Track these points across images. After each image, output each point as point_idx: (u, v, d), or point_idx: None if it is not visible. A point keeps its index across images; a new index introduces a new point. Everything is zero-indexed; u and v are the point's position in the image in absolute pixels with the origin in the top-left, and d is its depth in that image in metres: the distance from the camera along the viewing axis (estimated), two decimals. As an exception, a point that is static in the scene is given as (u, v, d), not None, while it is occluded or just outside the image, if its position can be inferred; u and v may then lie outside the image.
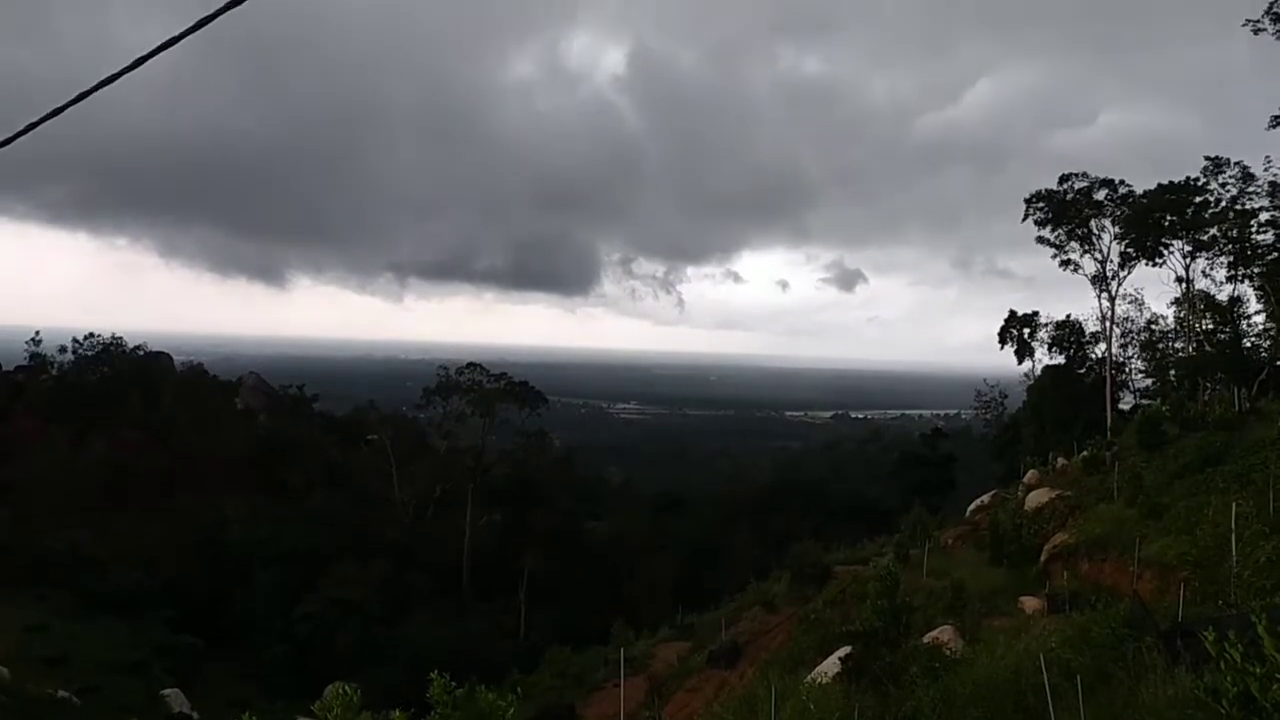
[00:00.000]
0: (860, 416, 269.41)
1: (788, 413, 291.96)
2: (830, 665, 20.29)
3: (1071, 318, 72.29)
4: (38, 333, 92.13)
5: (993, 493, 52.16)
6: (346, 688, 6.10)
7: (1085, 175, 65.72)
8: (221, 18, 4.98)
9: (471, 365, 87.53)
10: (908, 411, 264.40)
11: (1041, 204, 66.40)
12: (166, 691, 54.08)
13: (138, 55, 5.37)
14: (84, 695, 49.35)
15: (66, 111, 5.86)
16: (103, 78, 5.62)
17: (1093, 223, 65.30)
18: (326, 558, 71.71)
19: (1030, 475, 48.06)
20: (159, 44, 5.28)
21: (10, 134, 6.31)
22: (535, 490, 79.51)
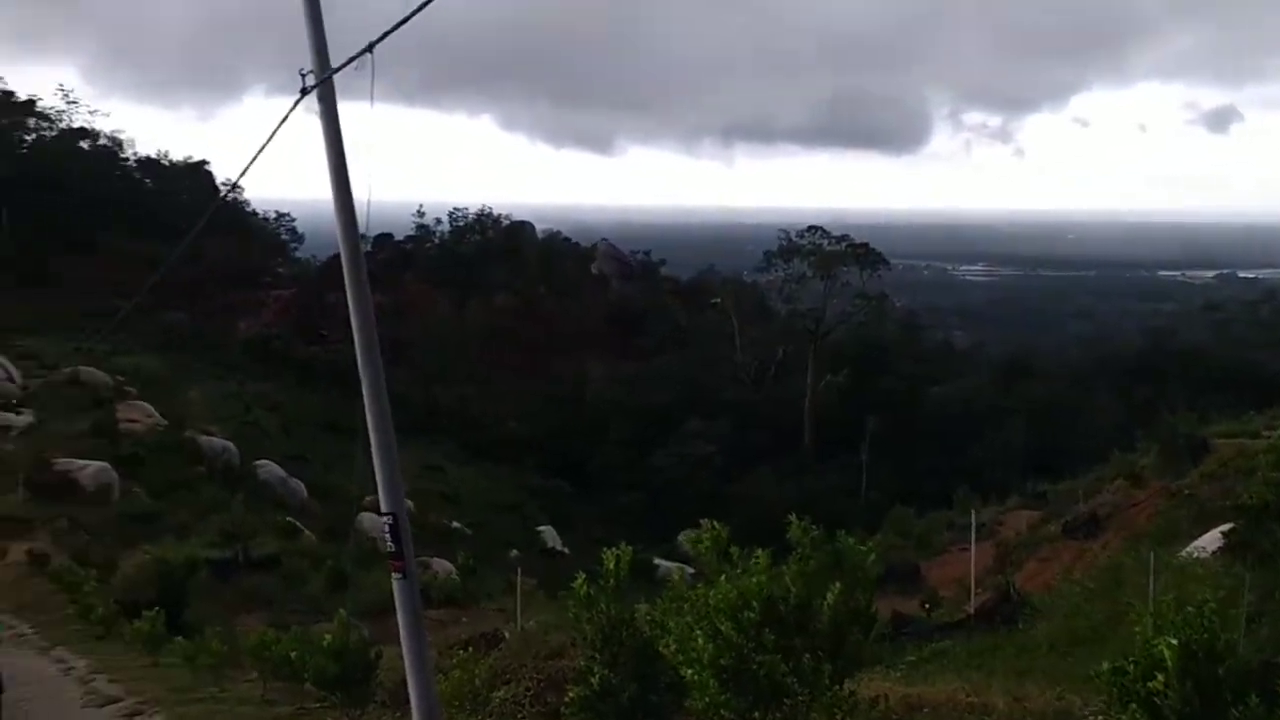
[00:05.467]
0: (1250, 276, 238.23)
1: (1160, 272, 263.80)
2: (1209, 540, 18.66)
3: None
4: (420, 206, 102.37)
5: None
6: (715, 524, 6.39)
7: None
8: None
9: (812, 228, 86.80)
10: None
11: None
12: (541, 528, 60.56)
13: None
14: (474, 528, 56.38)
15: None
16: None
17: None
18: (674, 415, 75.77)
19: None
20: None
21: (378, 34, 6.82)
22: (877, 353, 78.52)
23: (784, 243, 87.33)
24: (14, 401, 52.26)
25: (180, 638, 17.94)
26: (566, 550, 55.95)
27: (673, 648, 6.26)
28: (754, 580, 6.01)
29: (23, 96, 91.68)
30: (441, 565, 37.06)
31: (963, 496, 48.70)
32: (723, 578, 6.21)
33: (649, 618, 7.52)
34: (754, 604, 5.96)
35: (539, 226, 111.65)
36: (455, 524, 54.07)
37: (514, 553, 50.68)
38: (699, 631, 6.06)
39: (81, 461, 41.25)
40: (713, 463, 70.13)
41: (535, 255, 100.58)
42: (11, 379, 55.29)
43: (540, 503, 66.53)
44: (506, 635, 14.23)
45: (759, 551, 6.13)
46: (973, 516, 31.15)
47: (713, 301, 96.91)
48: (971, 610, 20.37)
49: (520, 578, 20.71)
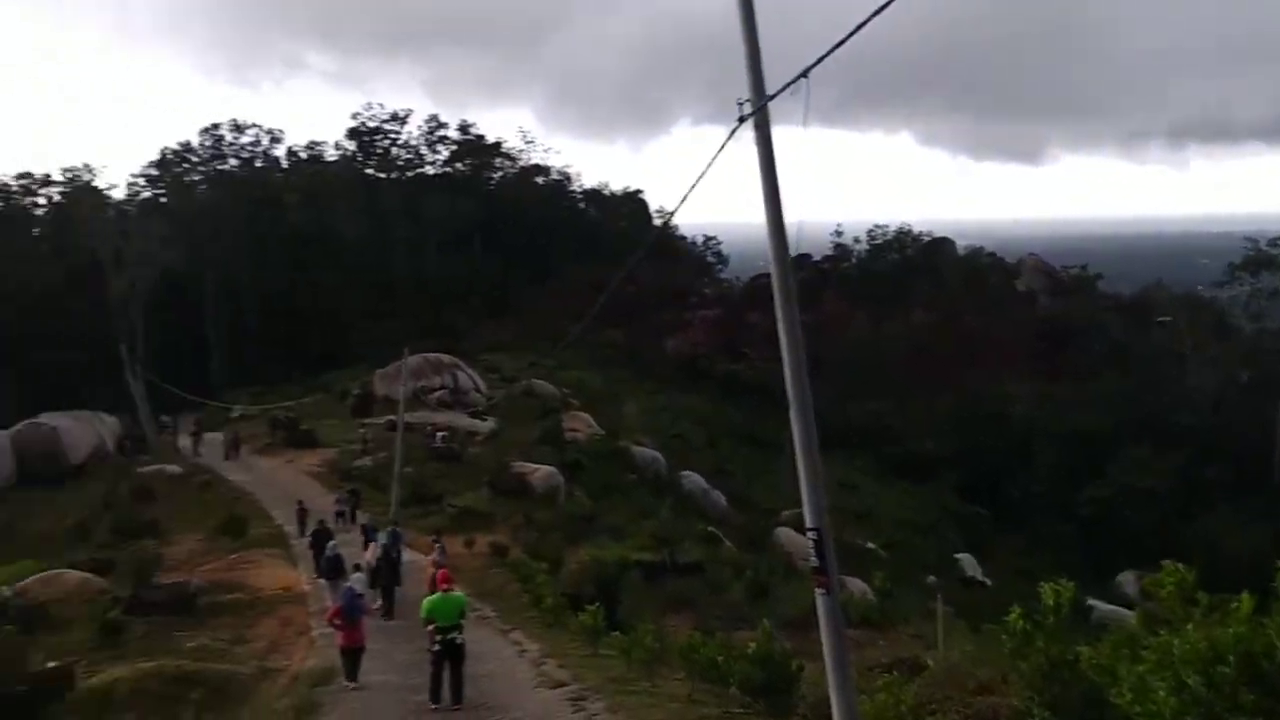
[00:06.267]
0: None
1: None
2: None
3: None
4: (839, 225, 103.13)
5: None
6: (1180, 567, 5.73)
7: None
8: None
9: (1290, 235, 75.94)
10: None
11: None
12: (959, 555, 58.03)
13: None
14: (888, 548, 55.37)
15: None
16: None
17: None
18: (1112, 442, 69.34)
19: None
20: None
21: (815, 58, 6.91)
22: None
23: (1251, 253, 77.42)
24: (481, 410, 60.06)
25: (616, 632, 19.34)
26: (987, 581, 53.18)
27: (1128, 697, 5.68)
28: (1230, 631, 5.30)
29: (491, 139, 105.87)
30: (856, 585, 36.72)
31: None
32: (1189, 626, 5.54)
33: (1094, 662, 6.92)
34: (1229, 658, 5.25)
35: (959, 242, 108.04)
36: (870, 544, 53.50)
37: (930, 578, 49.11)
38: (1160, 682, 5.45)
39: (533, 465, 46.13)
40: (1158, 496, 63.28)
41: (955, 271, 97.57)
42: (479, 390, 63.51)
43: (958, 527, 63.86)
44: (930, 663, 13.79)
45: (1241, 597, 5.38)
46: None
47: (1159, 319, 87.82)
48: None
49: (940, 604, 19.96)
